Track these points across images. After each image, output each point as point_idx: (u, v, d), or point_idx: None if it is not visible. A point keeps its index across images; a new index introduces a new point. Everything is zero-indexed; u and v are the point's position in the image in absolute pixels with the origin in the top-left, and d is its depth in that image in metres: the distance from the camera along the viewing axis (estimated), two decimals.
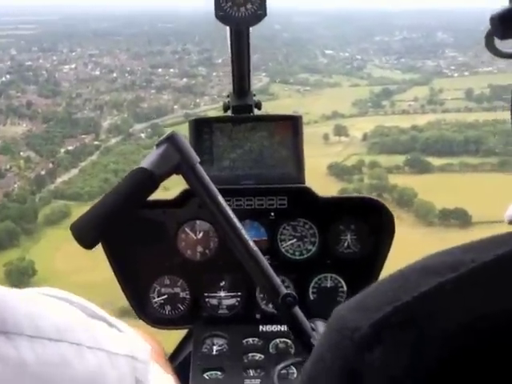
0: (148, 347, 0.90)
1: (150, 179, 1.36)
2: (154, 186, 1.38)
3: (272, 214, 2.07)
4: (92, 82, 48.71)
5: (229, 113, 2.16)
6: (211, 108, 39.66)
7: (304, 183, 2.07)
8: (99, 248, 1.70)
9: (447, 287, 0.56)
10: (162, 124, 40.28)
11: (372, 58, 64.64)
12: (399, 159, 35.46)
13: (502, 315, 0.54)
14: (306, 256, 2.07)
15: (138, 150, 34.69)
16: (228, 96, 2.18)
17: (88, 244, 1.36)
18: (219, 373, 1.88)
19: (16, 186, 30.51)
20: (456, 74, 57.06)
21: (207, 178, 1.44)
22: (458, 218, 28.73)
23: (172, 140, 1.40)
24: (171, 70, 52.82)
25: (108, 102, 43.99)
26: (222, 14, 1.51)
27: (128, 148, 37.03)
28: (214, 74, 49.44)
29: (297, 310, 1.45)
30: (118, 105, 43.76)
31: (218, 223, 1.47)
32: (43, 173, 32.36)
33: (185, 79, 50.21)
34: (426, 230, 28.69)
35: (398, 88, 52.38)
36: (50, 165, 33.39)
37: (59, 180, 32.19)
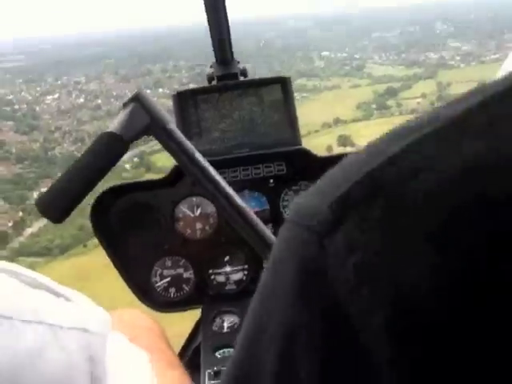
0: (107, 317, 0.71)
1: (118, 142, 1.21)
2: (123, 149, 1.22)
3: (271, 180, 1.89)
4: (75, 111, 43.42)
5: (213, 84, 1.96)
6: None
7: (300, 145, 1.88)
8: None
9: (426, 140, 0.40)
10: (149, 151, 34.83)
11: (371, 55, 59.28)
12: None
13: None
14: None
15: None
16: (211, 66, 1.93)
17: (56, 217, 1.18)
18: (232, 349, 1.63)
19: None
20: (462, 65, 51.50)
21: (181, 136, 1.26)
22: None
23: (139, 99, 1.22)
24: (160, 90, 47.54)
25: (90, 133, 38.62)
26: None
27: (110, 184, 31.59)
28: None
29: None
30: None
31: (197, 181, 1.29)
32: (10, 224, 26.96)
33: None
34: None
35: (403, 85, 46.89)
36: (20, 213, 27.99)
37: (29, 231, 26.73)
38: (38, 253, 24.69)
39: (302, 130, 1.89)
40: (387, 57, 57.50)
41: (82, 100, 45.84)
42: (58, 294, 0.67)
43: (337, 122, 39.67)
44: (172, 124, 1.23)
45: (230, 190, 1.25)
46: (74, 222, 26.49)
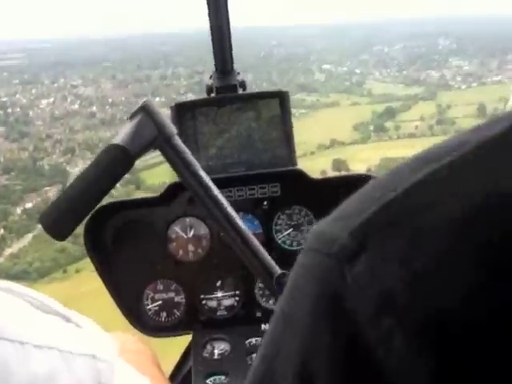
0: (115, 345, 0.73)
1: (124, 156, 1.17)
2: (130, 164, 1.21)
3: (265, 202, 1.88)
4: (68, 118, 42.14)
5: (212, 96, 1.94)
6: None
7: (296, 165, 1.89)
8: None
9: (445, 172, 0.40)
10: (140, 166, 33.62)
11: (372, 70, 58.14)
12: None
13: None
14: (304, 246, 1.61)
15: None
16: (210, 77, 1.95)
17: (60, 235, 1.16)
18: (223, 377, 1.72)
19: None
20: (463, 86, 50.41)
21: (186, 151, 1.25)
22: None
23: (146, 111, 1.20)
24: (157, 99, 46.33)
25: (81, 143, 37.33)
26: None
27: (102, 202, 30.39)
28: None
29: None
30: (93, 146, 37.06)
31: (198, 198, 1.27)
32: None
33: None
34: None
35: (402, 105, 45.76)
36: (1, 230, 26.79)
37: (8, 251, 25.48)
38: (16, 276, 23.55)
39: (299, 150, 1.88)
40: (388, 73, 56.43)
41: (76, 106, 44.56)
42: (68, 320, 0.66)
43: (333, 144, 38.59)
44: (177, 138, 1.19)
45: (232, 212, 1.23)
46: (54, 244, 25.41)
